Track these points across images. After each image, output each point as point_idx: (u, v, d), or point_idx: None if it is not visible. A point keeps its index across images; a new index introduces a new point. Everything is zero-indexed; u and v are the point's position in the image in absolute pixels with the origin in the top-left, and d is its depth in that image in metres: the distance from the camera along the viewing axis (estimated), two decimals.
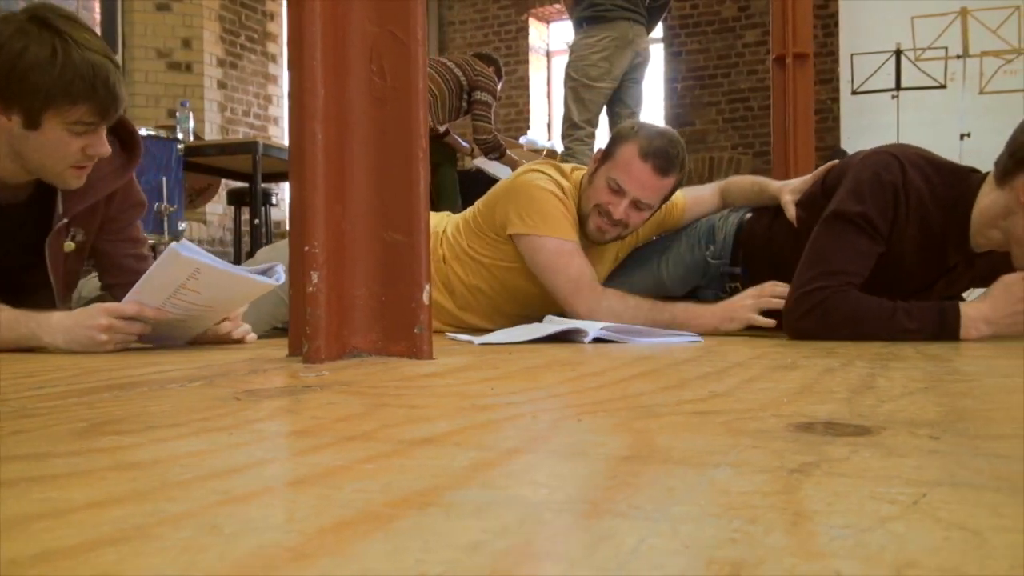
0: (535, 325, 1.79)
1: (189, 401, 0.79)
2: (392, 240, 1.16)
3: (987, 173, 1.63)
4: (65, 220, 1.59)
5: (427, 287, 1.16)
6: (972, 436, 0.58)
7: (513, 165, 4.31)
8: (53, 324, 1.38)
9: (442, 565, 0.32)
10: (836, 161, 1.87)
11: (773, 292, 1.72)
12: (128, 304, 1.38)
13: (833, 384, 0.89)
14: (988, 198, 1.58)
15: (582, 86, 3.94)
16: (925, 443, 0.56)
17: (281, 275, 1.38)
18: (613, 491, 0.43)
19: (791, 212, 1.83)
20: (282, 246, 2.05)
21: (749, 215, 2.01)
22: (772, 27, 4.59)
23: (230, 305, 1.49)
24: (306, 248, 1.11)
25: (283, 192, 6.39)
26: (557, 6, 7.62)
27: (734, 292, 2.00)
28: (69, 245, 1.62)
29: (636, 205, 1.89)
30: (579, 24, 3.97)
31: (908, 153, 1.67)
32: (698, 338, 1.60)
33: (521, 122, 8.13)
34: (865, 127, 5.01)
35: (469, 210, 2.10)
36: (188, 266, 1.31)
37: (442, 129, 4.48)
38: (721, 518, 0.38)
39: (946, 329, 1.52)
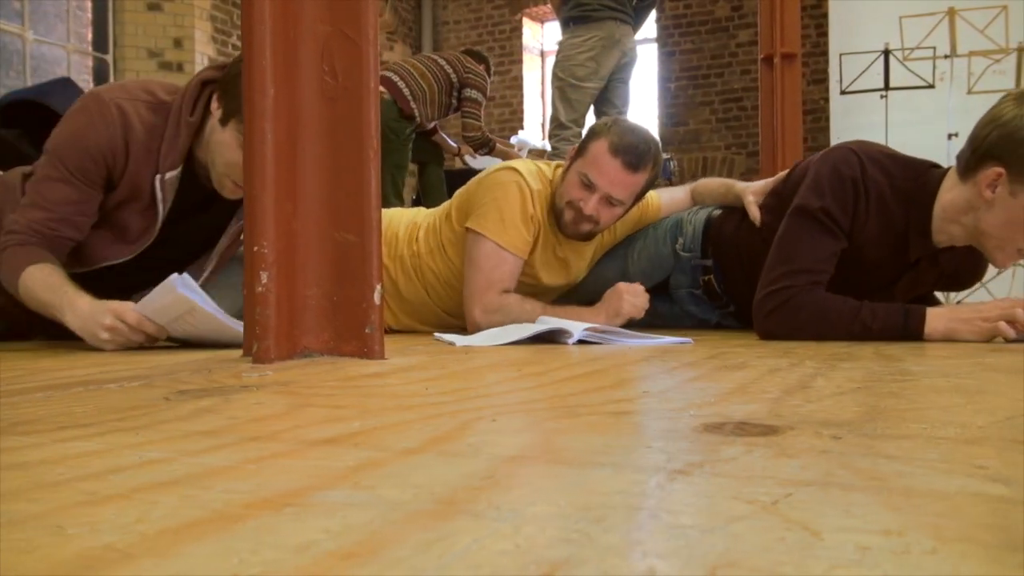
0: (522, 325, 1.79)
1: (116, 401, 0.79)
2: (344, 240, 1.16)
3: (948, 168, 1.63)
4: (240, 222, 1.69)
5: (378, 287, 1.16)
6: (874, 436, 0.58)
7: (505, 156, 4.31)
8: (76, 308, 1.43)
9: (262, 566, 0.32)
10: (798, 160, 1.88)
11: (634, 301, 1.78)
12: (130, 312, 1.40)
13: (770, 384, 0.89)
14: (951, 193, 1.58)
15: (569, 86, 3.94)
16: (823, 443, 0.56)
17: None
18: (480, 492, 0.43)
19: (754, 212, 1.83)
20: None
21: (718, 212, 2.01)
22: (760, 27, 4.59)
23: (231, 336, 1.43)
24: (255, 248, 1.11)
25: None
26: (551, 6, 7.62)
27: (707, 285, 2.00)
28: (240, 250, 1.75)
29: (608, 201, 1.89)
30: (566, 24, 3.98)
31: (868, 148, 1.68)
32: (687, 340, 1.58)
33: (515, 122, 8.13)
34: (855, 127, 5.01)
35: (448, 203, 2.10)
36: (183, 303, 1.36)
37: (430, 126, 4.48)
38: (570, 518, 0.38)
39: (909, 329, 1.52)
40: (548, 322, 1.74)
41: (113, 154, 1.54)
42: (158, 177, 1.57)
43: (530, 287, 2.01)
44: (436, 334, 1.80)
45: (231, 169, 1.55)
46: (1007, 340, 1.46)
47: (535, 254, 1.99)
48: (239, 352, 1.26)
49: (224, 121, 1.54)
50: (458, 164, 5.17)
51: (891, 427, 0.62)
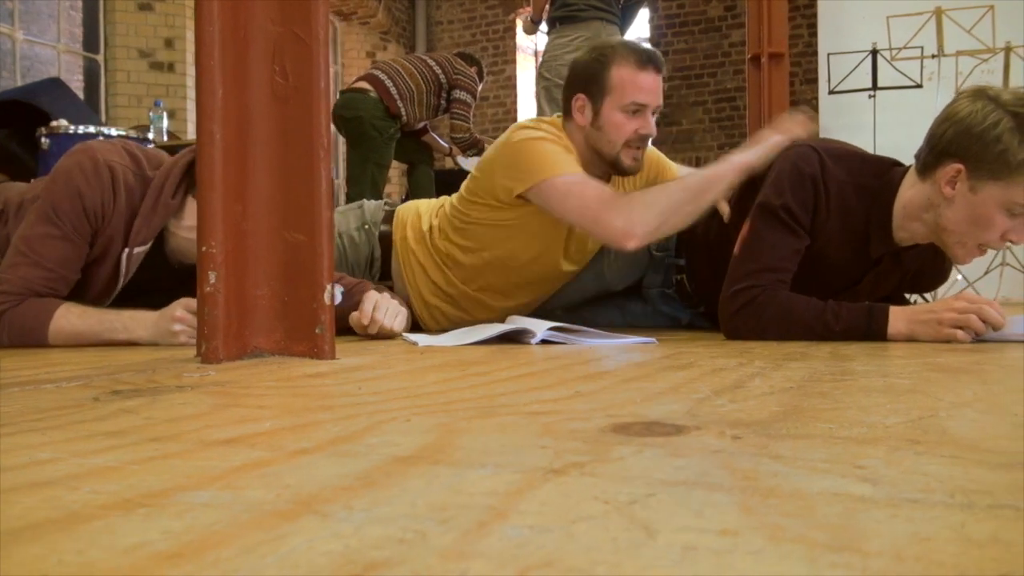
0: (484, 326, 1.78)
1: (45, 401, 0.79)
2: (294, 240, 1.16)
3: (909, 166, 1.63)
4: None
5: (328, 287, 1.16)
6: (775, 436, 0.58)
7: None
8: (141, 319, 1.50)
9: (78, 567, 0.32)
10: None
11: None
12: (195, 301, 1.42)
13: (706, 384, 0.89)
14: (911, 191, 1.58)
15: (555, 86, 3.93)
16: (720, 444, 0.56)
17: (339, 295, 1.46)
18: (345, 492, 0.43)
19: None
20: None
21: None
22: (748, 27, 4.60)
23: None
24: (204, 248, 1.11)
25: None
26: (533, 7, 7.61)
27: (680, 284, 2.00)
28: None
29: (655, 112, 1.90)
30: (552, 24, 3.98)
31: (828, 145, 1.68)
32: (651, 339, 1.58)
33: (508, 121, 8.12)
34: (844, 126, 5.00)
35: (457, 194, 2.04)
36: None
37: (419, 126, 4.48)
38: (417, 519, 0.38)
39: (873, 330, 1.52)
40: (517, 321, 1.74)
41: (102, 214, 1.55)
42: (126, 251, 1.57)
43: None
44: (403, 334, 1.79)
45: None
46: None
47: None
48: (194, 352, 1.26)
49: None
50: (449, 164, 5.17)
51: (798, 427, 0.62)
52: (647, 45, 1.94)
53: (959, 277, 4.58)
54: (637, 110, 1.86)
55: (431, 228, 2.02)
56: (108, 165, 1.53)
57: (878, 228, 1.62)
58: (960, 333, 1.45)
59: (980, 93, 1.49)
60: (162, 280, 1.66)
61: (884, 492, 0.42)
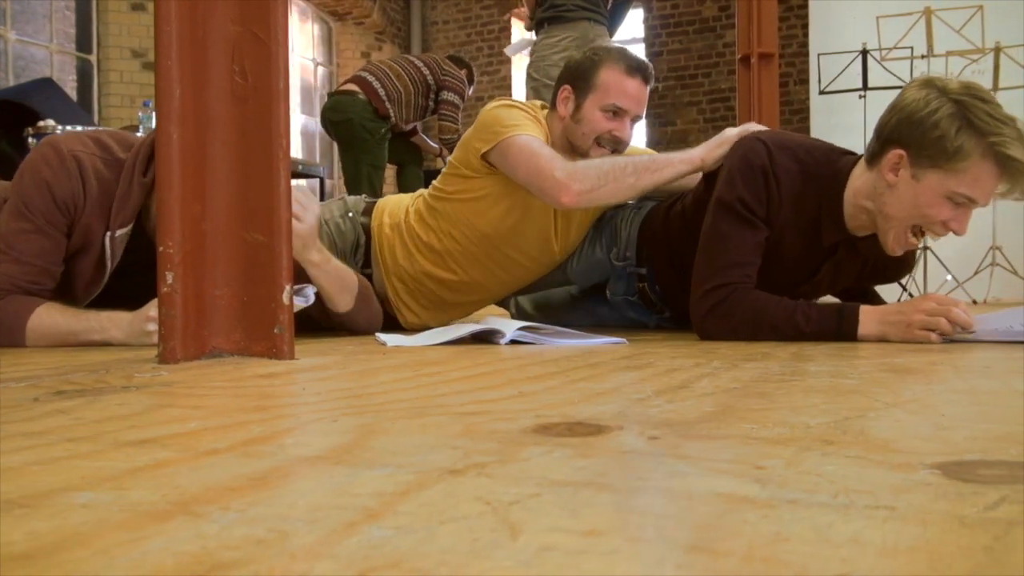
0: (457, 326, 1.78)
1: None
2: (253, 240, 1.16)
3: (860, 156, 1.63)
4: None
5: (287, 288, 1.16)
6: (692, 437, 0.58)
7: None
8: (117, 320, 1.49)
9: None
10: None
11: None
12: None
13: (652, 385, 0.89)
14: (859, 180, 1.59)
15: (543, 86, 3.92)
16: (635, 444, 0.56)
17: (311, 296, 1.51)
18: (232, 492, 0.43)
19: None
20: None
21: (650, 207, 2.00)
22: (738, 27, 4.59)
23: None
24: (161, 248, 1.11)
25: None
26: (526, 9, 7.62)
27: (643, 292, 2.00)
28: None
29: (635, 119, 1.94)
30: (540, 25, 3.97)
31: (778, 137, 1.68)
32: (621, 340, 1.58)
33: None
34: (834, 127, 5.00)
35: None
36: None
37: (408, 128, 4.48)
38: (287, 519, 0.38)
39: (843, 331, 1.51)
40: (490, 321, 1.74)
41: (74, 204, 1.55)
42: (108, 234, 1.57)
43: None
44: (376, 334, 1.79)
45: None
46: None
47: None
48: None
49: None
50: (439, 165, 5.18)
51: (720, 428, 0.62)
52: (642, 57, 1.97)
53: (948, 277, 4.58)
54: (617, 112, 1.90)
55: (407, 212, 2.04)
56: (73, 155, 1.53)
57: (829, 216, 1.62)
58: (932, 335, 1.45)
59: (928, 82, 1.50)
60: (150, 262, 1.66)
61: (769, 492, 0.42)
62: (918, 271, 4.64)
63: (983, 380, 0.91)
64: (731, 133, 1.77)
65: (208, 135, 1.16)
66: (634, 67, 1.91)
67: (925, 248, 4.61)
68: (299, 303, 1.49)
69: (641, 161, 1.79)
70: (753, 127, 1.80)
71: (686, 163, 1.76)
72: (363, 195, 2.24)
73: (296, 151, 7.19)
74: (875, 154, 1.55)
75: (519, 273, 2.02)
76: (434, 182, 2.03)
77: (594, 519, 0.38)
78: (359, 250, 2.07)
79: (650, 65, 1.96)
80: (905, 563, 0.32)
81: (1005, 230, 4.59)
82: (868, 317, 1.51)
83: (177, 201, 1.12)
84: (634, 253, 1.96)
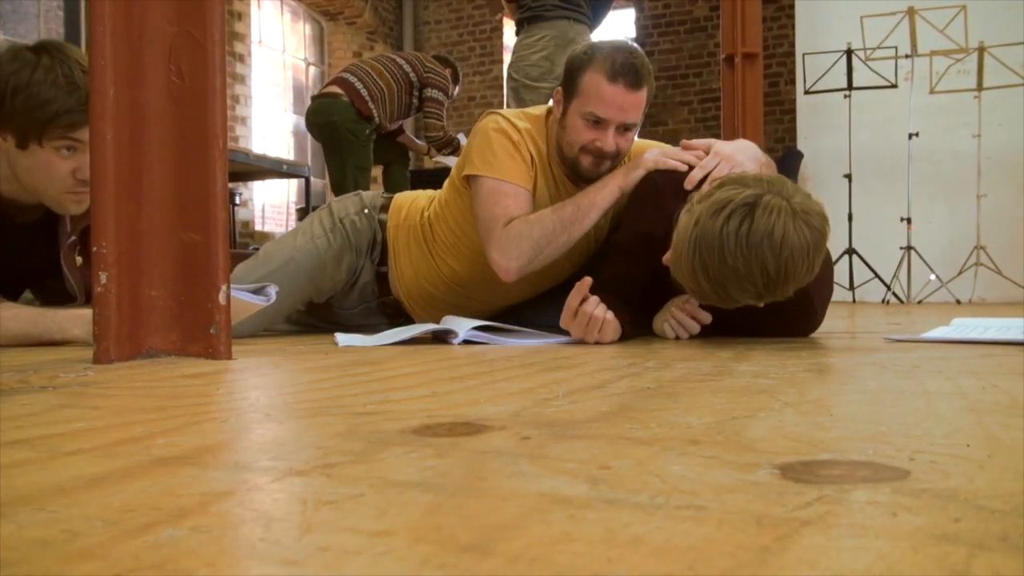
0: (414, 326, 1.79)
1: None
2: (190, 240, 1.16)
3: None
4: (73, 238, 1.66)
5: (223, 288, 1.16)
6: (563, 438, 0.58)
7: None
8: (74, 319, 1.48)
9: None
10: None
11: None
12: None
13: (568, 385, 0.89)
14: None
15: (523, 86, 3.93)
16: (501, 445, 0.56)
17: (273, 295, 1.51)
18: (60, 493, 0.43)
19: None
20: (262, 258, 2.04)
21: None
22: (722, 27, 4.60)
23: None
24: (95, 249, 1.11)
25: (248, 192, 6.41)
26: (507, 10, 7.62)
27: None
28: (78, 260, 1.70)
29: (623, 129, 1.80)
30: (520, 25, 3.98)
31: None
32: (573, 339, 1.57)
33: None
34: (820, 126, 5.01)
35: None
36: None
37: (393, 127, 4.48)
38: (89, 519, 0.38)
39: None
40: (447, 321, 1.74)
41: None
42: None
43: None
44: (336, 335, 1.79)
45: (63, 183, 1.51)
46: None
47: (543, 192, 1.89)
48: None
49: (23, 145, 1.48)
50: (428, 163, 5.17)
51: (600, 428, 0.62)
52: (635, 56, 1.79)
53: (932, 277, 4.58)
54: (597, 121, 1.78)
55: (421, 214, 2.03)
56: None
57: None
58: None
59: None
60: (23, 246, 1.65)
61: (593, 493, 0.42)
62: (902, 271, 4.64)
63: (901, 380, 0.91)
64: (648, 155, 1.77)
65: (144, 134, 1.16)
66: (617, 71, 1.74)
67: (910, 248, 4.61)
68: (260, 302, 1.49)
69: (566, 214, 1.75)
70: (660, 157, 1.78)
71: (607, 198, 1.76)
72: (381, 192, 2.22)
73: (287, 151, 7.19)
74: None
75: (549, 271, 1.94)
76: (446, 181, 2.01)
77: (396, 520, 0.38)
78: (375, 248, 2.05)
79: (642, 67, 1.77)
80: (668, 563, 0.32)
81: (989, 230, 4.59)
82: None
83: (111, 200, 1.12)
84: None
